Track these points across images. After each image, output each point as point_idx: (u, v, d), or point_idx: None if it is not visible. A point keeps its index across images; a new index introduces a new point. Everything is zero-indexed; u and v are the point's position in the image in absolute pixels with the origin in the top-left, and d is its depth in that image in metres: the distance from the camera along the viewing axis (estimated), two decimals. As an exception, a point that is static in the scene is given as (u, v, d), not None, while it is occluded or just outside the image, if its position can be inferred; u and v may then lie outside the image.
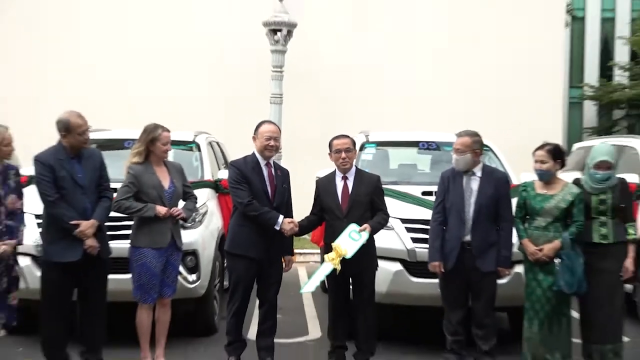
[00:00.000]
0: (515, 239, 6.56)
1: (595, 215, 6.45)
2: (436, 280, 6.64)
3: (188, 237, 6.87)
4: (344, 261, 6.26)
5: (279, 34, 13.77)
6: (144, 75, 16.32)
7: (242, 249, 6.43)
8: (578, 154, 10.28)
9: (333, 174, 6.64)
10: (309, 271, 10.24)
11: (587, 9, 41.36)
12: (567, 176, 6.92)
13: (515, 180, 7.52)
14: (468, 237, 6.43)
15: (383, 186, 6.74)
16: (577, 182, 6.63)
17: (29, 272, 6.75)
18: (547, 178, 6.49)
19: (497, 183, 6.57)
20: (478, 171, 6.55)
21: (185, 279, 7.01)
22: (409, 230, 7.08)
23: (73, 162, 6.17)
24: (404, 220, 7.11)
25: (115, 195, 6.33)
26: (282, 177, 6.60)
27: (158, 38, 16.64)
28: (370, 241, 6.41)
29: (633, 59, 37.54)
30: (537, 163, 6.48)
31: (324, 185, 6.67)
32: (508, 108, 16.00)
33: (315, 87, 15.71)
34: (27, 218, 6.47)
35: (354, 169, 6.62)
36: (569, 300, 6.52)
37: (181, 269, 6.80)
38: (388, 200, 6.77)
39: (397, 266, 7.01)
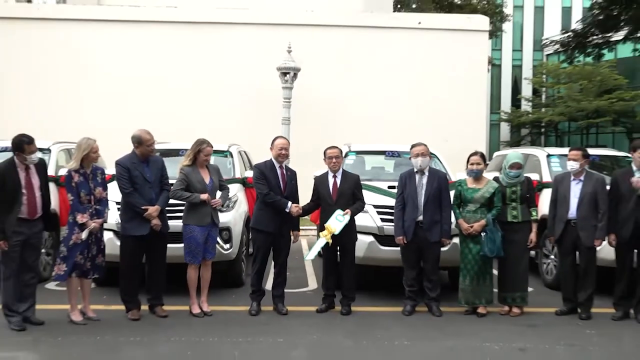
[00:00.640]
0: (453, 219, 6.64)
1: (508, 202, 6.56)
2: (398, 249, 6.67)
3: (224, 217, 6.87)
4: (333, 236, 6.37)
5: (287, 75, 13.80)
6: (191, 105, 16.32)
7: (262, 226, 6.50)
8: (496, 159, 10.31)
9: (326, 173, 6.72)
10: (309, 242, 10.25)
11: (502, 59, 41.87)
12: (489, 175, 6.98)
13: (453, 177, 7.58)
14: (420, 217, 6.48)
15: (361, 182, 6.81)
16: (496, 179, 6.73)
17: (111, 242, 6.77)
18: (478, 175, 6.59)
19: (439, 180, 6.64)
20: (426, 171, 6.63)
21: (221, 247, 6.99)
22: (379, 213, 7.07)
23: (143, 165, 6.24)
24: (375, 206, 7.10)
25: (172, 187, 6.40)
26: (291, 175, 6.66)
27: (200, 79, 16.61)
28: (351, 221, 6.48)
29: (534, 93, 38.32)
30: (473, 165, 6.57)
31: (320, 181, 6.74)
32: (448, 127, 16.02)
33: (313, 113, 15.70)
34: (110, 204, 6.49)
35: (341, 170, 6.69)
36: (491, 262, 6.58)
37: (219, 239, 6.78)
38: (364, 192, 6.82)
39: (371, 238, 6.99)
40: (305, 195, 6.77)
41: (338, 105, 16.50)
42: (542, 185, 7.96)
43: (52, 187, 6.64)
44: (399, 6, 26.24)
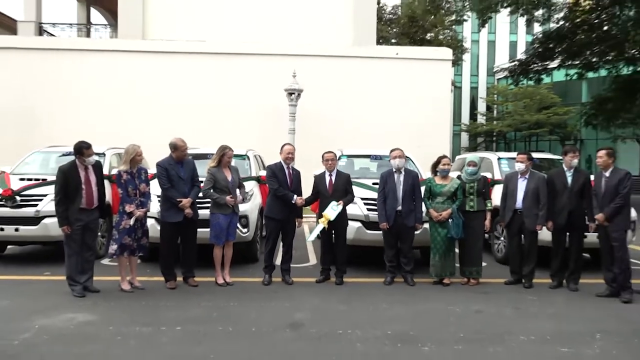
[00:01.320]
0: (424, 208, 6.61)
1: (467, 195, 6.55)
2: (380, 232, 6.65)
3: (242, 207, 6.82)
4: (329, 222, 6.34)
5: (293, 95, 13.76)
6: (215, 119, 16.31)
7: (273, 214, 6.49)
8: (458, 162, 10.30)
9: (324, 172, 6.68)
10: (310, 227, 10.25)
11: (463, 82, 42.01)
12: (452, 174, 6.96)
13: (424, 176, 7.55)
14: (399, 207, 6.47)
15: (351, 179, 6.79)
16: (459, 177, 6.71)
17: (153, 227, 6.73)
18: (446, 174, 6.58)
19: (413, 178, 6.61)
20: (403, 171, 6.60)
21: (241, 231, 6.97)
22: (365, 204, 7.04)
23: (178, 166, 6.22)
24: (362, 199, 7.07)
25: (202, 185, 6.37)
26: (296, 174, 6.63)
27: (222, 98, 16.62)
28: (343, 210, 6.46)
29: (487, 109, 38.30)
30: (445, 165, 6.56)
31: (319, 179, 6.71)
32: (420, 136, 16.00)
33: (313, 125, 15.69)
34: (152, 197, 6.46)
35: (335, 170, 6.67)
36: (454, 243, 6.58)
37: (238, 225, 6.75)
38: (354, 187, 6.80)
39: (359, 224, 6.97)
40: (307, 189, 6.75)
41: (333, 119, 16.49)
42: (494, 182, 7.94)
43: (106, 183, 6.62)
44: (380, 41, 26.20)
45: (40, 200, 7.19)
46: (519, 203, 6.54)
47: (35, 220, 7.11)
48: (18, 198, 7.18)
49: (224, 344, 4.37)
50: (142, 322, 4.89)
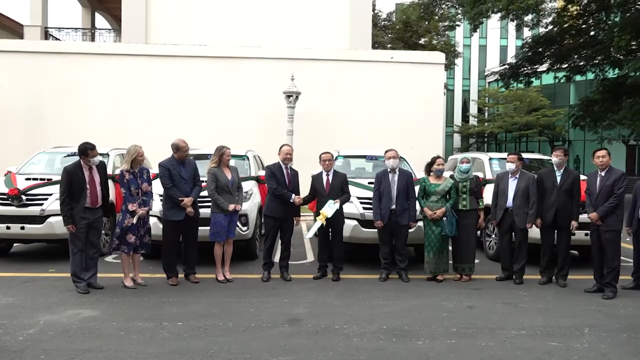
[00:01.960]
0: (417, 207, 6.59)
1: (460, 194, 6.53)
2: (375, 230, 6.63)
3: (242, 206, 6.78)
4: (326, 220, 6.32)
5: (291, 98, 13.72)
6: (216, 120, 16.27)
7: (272, 212, 6.46)
8: (451, 162, 10.29)
9: (321, 172, 6.67)
10: (308, 225, 10.22)
11: (455, 85, 42.02)
12: (446, 174, 6.94)
13: (418, 175, 7.54)
14: (394, 206, 6.45)
15: (348, 179, 6.76)
16: (452, 177, 6.69)
17: (155, 225, 6.71)
18: (441, 174, 6.56)
19: (407, 177, 6.60)
20: (397, 171, 6.59)
21: (240, 229, 6.95)
22: (361, 203, 7.02)
23: (180, 166, 6.20)
24: (358, 197, 7.06)
25: (204, 184, 6.34)
26: (294, 174, 6.61)
27: (223, 100, 16.58)
28: (340, 208, 6.45)
29: (479, 111, 38.33)
30: (439, 165, 6.53)
31: (316, 179, 6.68)
32: (414, 137, 15.99)
33: (311, 126, 15.68)
34: (155, 196, 6.43)
35: (332, 170, 6.65)
36: (448, 241, 6.57)
37: (238, 223, 6.74)
38: (350, 187, 6.77)
39: (355, 222, 6.94)
40: (304, 189, 6.72)
41: (330, 121, 16.47)
42: (485, 182, 7.93)
43: (110, 183, 6.58)
44: (376, 46, 26.21)
45: (46, 199, 7.15)
46: (509, 202, 6.54)
47: (40, 218, 7.07)
48: (24, 197, 7.14)
49: (224, 339, 4.35)
50: (145, 318, 4.86)
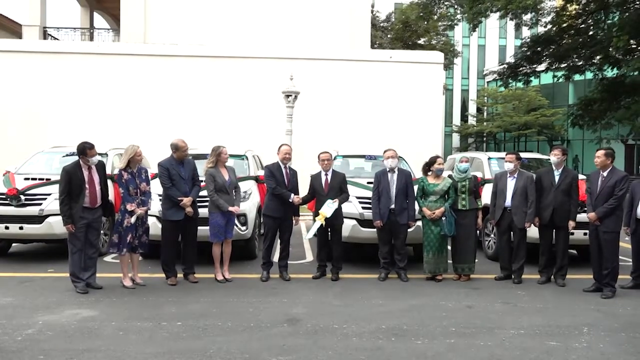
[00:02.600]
0: (416, 206, 6.59)
1: (459, 194, 6.53)
2: (375, 230, 6.62)
3: (241, 206, 6.79)
4: (325, 219, 6.31)
5: (290, 97, 13.68)
6: (215, 120, 16.28)
7: (271, 212, 6.45)
8: (449, 161, 10.28)
9: (320, 172, 6.66)
10: (307, 225, 10.21)
11: (454, 85, 42.02)
12: (444, 173, 6.94)
13: (417, 175, 7.53)
14: (393, 206, 6.45)
15: (347, 179, 6.76)
16: (450, 176, 6.69)
17: (154, 225, 6.71)
18: (440, 173, 6.56)
19: (406, 177, 6.60)
20: (396, 170, 6.59)
21: (239, 228, 6.96)
22: (360, 202, 7.01)
23: (179, 166, 6.20)
24: (357, 197, 7.05)
25: (203, 184, 6.33)
26: (293, 174, 6.60)
27: (222, 100, 16.58)
28: (339, 208, 6.44)
29: (478, 111, 38.37)
30: (439, 165, 6.53)
31: (315, 178, 6.67)
32: (414, 137, 16.03)
33: (309, 126, 15.69)
34: (153, 196, 6.43)
35: (331, 169, 6.64)
36: (447, 240, 6.56)
37: (237, 223, 6.76)
38: (349, 186, 6.77)
39: (354, 222, 6.94)
40: (303, 188, 6.71)
41: (329, 120, 16.49)
42: (484, 181, 7.94)
43: (109, 182, 6.58)
44: (375, 46, 26.22)
45: (45, 199, 7.15)
46: (508, 202, 6.54)
47: (39, 218, 7.06)
48: (22, 197, 7.13)
49: (223, 339, 4.34)
50: (144, 318, 4.86)
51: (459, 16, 18.48)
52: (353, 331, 4.57)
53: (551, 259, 6.51)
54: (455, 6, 18.14)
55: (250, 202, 7.45)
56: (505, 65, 20.94)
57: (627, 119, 16.79)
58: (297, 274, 6.73)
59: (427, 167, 6.65)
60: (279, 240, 6.64)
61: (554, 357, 4.06)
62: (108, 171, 7.31)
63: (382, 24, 30.26)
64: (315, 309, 5.23)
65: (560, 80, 20.08)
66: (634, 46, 15.31)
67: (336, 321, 4.83)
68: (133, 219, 5.83)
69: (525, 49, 19.42)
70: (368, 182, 7.21)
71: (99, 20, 25.86)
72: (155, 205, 6.66)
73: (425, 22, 27.23)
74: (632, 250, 6.35)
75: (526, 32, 22.84)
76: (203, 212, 6.38)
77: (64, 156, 8.20)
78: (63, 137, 13.87)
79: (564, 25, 17.95)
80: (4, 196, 7.10)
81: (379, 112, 16.87)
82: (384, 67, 17.21)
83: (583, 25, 17.94)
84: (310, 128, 15.70)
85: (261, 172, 7.72)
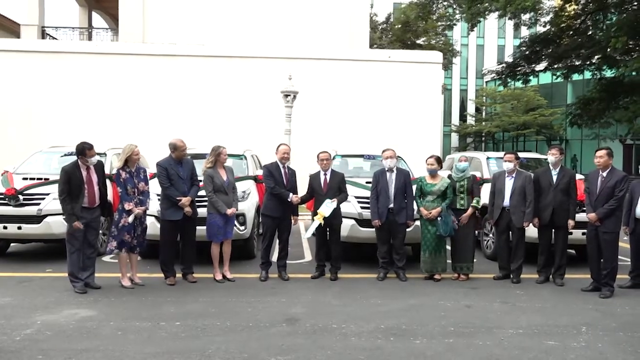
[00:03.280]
0: (415, 206, 6.59)
1: (458, 193, 6.54)
2: (373, 229, 6.62)
3: (240, 206, 6.80)
4: (324, 219, 6.31)
5: (289, 97, 13.68)
6: (214, 119, 16.29)
7: (270, 212, 6.45)
8: (448, 161, 10.30)
9: (319, 172, 6.66)
10: (306, 224, 10.20)
11: (453, 85, 42.02)
12: (443, 173, 6.94)
13: (416, 175, 7.53)
14: (391, 205, 6.46)
15: (345, 178, 6.76)
16: (449, 176, 6.69)
17: (153, 225, 6.71)
18: (434, 173, 6.56)
19: (404, 176, 6.60)
20: (395, 170, 6.59)
21: (238, 228, 6.96)
22: (359, 202, 7.02)
23: (178, 166, 6.19)
24: (356, 197, 7.05)
25: (201, 184, 6.33)
26: (291, 173, 6.60)
27: (221, 99, 16.60)
28: (338, 208, 6.44)
29: (476, 111, 38.36)
30: (430, 165, 6.54)
31: (314, 178, 6.67)
32: (413, 137, 16.05)
33: (308, 125, 15.70)
34: (152, 196, 6.43)
35: (330, 169, 6.64)
36: (445, 240, 6.56)
37: (236, 223, 6.74)
38: (348, 186, 6.77)
39: (352, 222, 6.94)
40: (302, 188, 6.71)
41: (327, 120, 16.50)
42: (483, 181, 7.94)
43: (108, 182, 6.56)
44: (375, 46, 26.25)
45: (43, 199, 7.14)
46: (506, 201, 6.55)
47: (37, 218, 7.06)
48: (21, 197, 7.12)
49: (221, 339, 4.34)
50: (142, 318, 4.86)
51: (457, 16, 18.48)
52: (352, 331, 4.57)
53: (550, 259, 6.52)
54: (454, 6, 18.16)
55: (248, 201, 7.45)
56: (504, 65, 20.97)
57: (625, 119, 16.82)
58: (296, 273, 6.73)
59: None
60: (277, 240, 6.64)
61: (552, 357, 4.06)
62: (106, 171, 7.33)
63: (380, 26, 30.28)
64: (314, 309, 5.23)
65: (559, 79, 20.11)
66: (632, 46, 15.33)
67: (335, 321, 4.83)
68: (131, 219, 5.83)
69: (524, 48, 19.45)
70: (367, 182, 7.20)
71: (98, 19, 25.83)
72: (154, 205, 6.65)
73: (424, 22, 27.26)
74: (630, 249, 6.36)
75: (525, 32, 22.86)
76: (202, 212, 6.37)
77: (62, 156, 8.20)
78: (62, 136, 13.86)
79: (563, 25, 17.97)
80: (2, 196, 7.09)
81: (377, 111, 16.88)
82: (383, 67, 17.22)
83: (582, 26, 17.96)
84: (309, 128, 15.71)
85: (260, 172, 7.71)
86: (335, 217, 6.42)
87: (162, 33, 18.11)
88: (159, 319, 4.82)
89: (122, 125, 15.85)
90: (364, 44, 19.12)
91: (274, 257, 6.79)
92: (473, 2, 15.98)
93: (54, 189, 6.92)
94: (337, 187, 6.52)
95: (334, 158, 8.07)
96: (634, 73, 14.66)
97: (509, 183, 6.58)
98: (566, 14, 18.13)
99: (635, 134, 21.46)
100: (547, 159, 6.81)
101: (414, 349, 4.18)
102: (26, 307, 5.14)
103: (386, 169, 6.57)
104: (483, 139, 37.77)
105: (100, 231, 7.11)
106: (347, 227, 6.86)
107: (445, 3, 18.64)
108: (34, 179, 7.55)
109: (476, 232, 6.85)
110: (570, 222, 6.31)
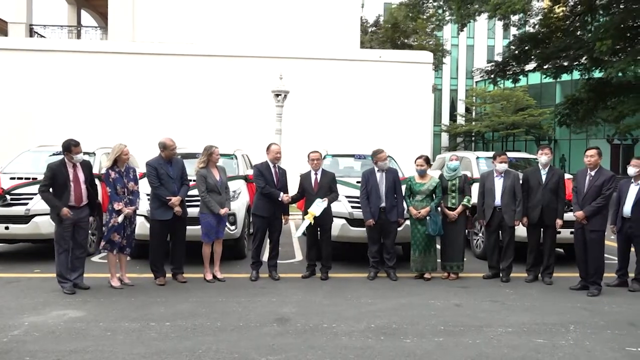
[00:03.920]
0: (404, 205, 6.61)
1: (449, 192, 6.57)
2: (364, 229, 6.64)
3: (231, 205, 6.75)
4: (314, 219, 6.31)
5: (279, 96, 13.68)
6: (204, 119, 16.23)
7: (260, 212, 6.43)
8: (439, 161, 10.35)
9: (309, 171, 6.65)
10: (296, 224, 10.22)
11: (443, 85, 42.19)
12: (433, 173, 6.97)
13: (406, 174, 7.56)
14: (383, 204, 6.48)
15: (336, 178, 6.77)
16: (440, 176, 6.72)
17: (143, 225, 6.68)
18: (423, 173, 6.58)
19: (394, 176, 6.62)
20: (384, 170, 6.60)
21: (229, 228, 6.94)
22: (349, 202, 7.03)
23: (167, 165, 6.15)
24: (347, 197, 7.06)
25: (192, 183, 6.30)
26: (282, 173, 6.60)
27: (211, 99, 16.54)
28: (328, 207, 6.44)
29: (466, 111, 38.58)
30: (419, 166, 6.56)
31: (304, 177, 6.67)
32: (403, 136, 16.10)
33: (299, 125, 15.69)
34: (142, 195, 6.39)
35: (321, 169, 6.64)
36: (435, 239, 6.59)
37: (227, 223, 6.74)
38: (339, 186, 6.78)
39: (343, 221, 6.95)
40: (292, 187, 6.71)
41: (318, 119, 16.51)
42: (473, 180, 7.98)
43: (97, 182, 6.52)
44: (365, 47, 26.32)
45: (31, 198, 7.06)
46: (497, 201, 6.58)
47: (25, 218, 6.99)
48: (8, 197, 7.05)
49: (212, 339, 4.32)
50: (132, 318, 4.82)
51: (447, 17, 18.56)
52: (342, 330, 4.57)
53: (539, 258, 6.57)
54: (444, 7, 18.25)
55: (239, 201, 7.43)
56: (494, 63, 21.04)
57: (612, 119, 16.99)
58: (287, 273, 6.72)
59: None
60: (268, 240, 6.63)
61: (541, 355, 4.09)
62: (95, 170, 7.28)
63: (370, 29, 30.33)
64: (305, 309, 5.23)
65: (548, 79, 20.25)
66: (618, 48, 15.48)
67: (325, 320, 4.83)
68: (120, 219, 5.78)
69: (514, 47, 19.54)
70: (357, 182, 7.21)
71: (87, 18, 25.62)
72: (144, 205, 6.61)
73: (414, 22, 27.33)
74: (617, 248, 6.43)
75: (514, 33, 22.99)
76: (192, 211, 6.34)
77: (50, 155, 8.12)
78: (51, 136, 13.73)
79: (552, 27, 18.10)
80: (-11, 196, 7.00)
81: (368, 111, 16.93)
82: (374, 67, 17.27)
83: (571, 29, 18.10)
84: (299, 127, 15.71)
85: (250, 172, 7.70)
86: (326, 217, 6.43)
87: (152, 31, 18.01)
88: (148, 319, 4.79)
89: (112, 124, 15.75)
90: (355, 43, 19.16)
91: (265, 256, 6.78)
92: (463, 2, 16.04)
93: (42, 189, 6.87)
94: (328, 187, 6.53)
95: (324, 157, 8.06)
96: (620, 74, 14.80)
97: (498, 183, 6.62)
98: (555, 15, 18.27)
99: (622, 134, 21.69)
100: (536, 158, 6.86)
101: (405, 348, 4.19)
102: (13, 308, 5.08)
103: (377, 169, 6.59)
104: (473, 138, 37.99)
105: (89, 231, 7.06)
106: (337, 226, 6.87)
107: (435, 4, 18.70)
108: (21, 178, 7.47)
109: (466, 231, 6.87)
110: (559, 222, 6.36)
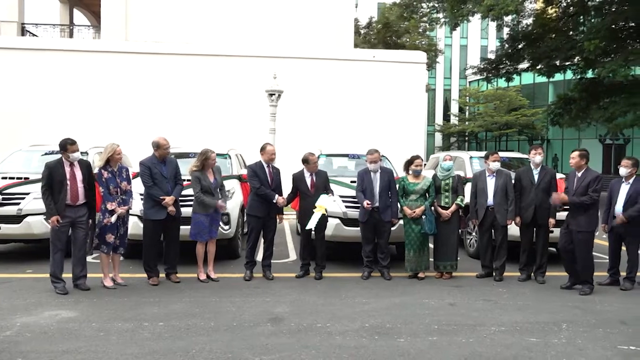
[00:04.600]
0: (398, 206, 6.62)
1: (442, 192, 6.58)
2: (358, 228, 6.64)
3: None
4: (307, 219, 6.31)
5: (273, 96, 13.67)
6: (198, 118, 16.18)
7: (254, 212, 6.42)
8: (432, 160, 10.37)
9: (302, 171, 6.65)
10: (291, 224, 10.24)
11: (436, 85, 42.35)
12: (426, 172, 6.98)
13: (400, 174, 7.57)
14: (377, 204, 6.49)
15: (330, 177, 6.78)
16: (434, 176, 6.74)
17: (136, 225, 6.65)
18: (418, 174, 6.60)
19: (388, 175, 6.64)
20: (379, 170, 6.61)
21: (223, 228, 6.93)
22: (344, 201, 7.04)
23: (161, 165, 6.13)
24: (341, 196, 7.07)
25: (185, 183, 6.29)
26: (276, 172, 6.59)
27: (205, 98, 16.49)
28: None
29: (460, 111, 38.73)
30: (417, 166, 6.57)
31: (298, 178, 6.66)
32: (397, 136, 16.13)
33: (292, 124, 15.68)
34: (135, 195, 6.36)
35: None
36: (428, 238, 6.61)
37: (220, 223, 6.73)
38: (333, 185, 6.80)
39: (337, 221, 6.95)
40: (286, 187, 6.70)
41: (312, 119, 16.52)
42: (466, 180, 8.00)
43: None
44: (362, 47, 26.36)
45: (23, 198, 7.01)
46: (490, 200, 6.61)
47: (17, 218, 6.93)
48: (0, 196, 6.99)
49: (205, 339, 4.31)
50: (125, 318, 4.80)
51: (442, 20, 18.61)
52: (336, 330, 4.57)
53: (531, 257, 6.60)
54: (438, 10, 18.31)
55: (233, 201, 7.42)
56: (487, 61, 21.06)
57: (604, 120, 17.09)
58: (281, 273, 6.72)
59: (408, 165, 6.70)
60: (262, 240, 6.62)
61: (534, 353, 4.12)
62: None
63: (363, 30, 30.36)
64: (299, 308, 5.23)
65: (541, 78, 20.34)
66: (609, 49, 15.59)
67: (319, 320, 4.83)
68: (113, 218, 5.76)
69: (507, 45, 19.60)
70: (352, 181, 7.22)
71: (79, 17, 25.47)
72: (137, 205, 6.58)
73: (406, 22, 27.40)
74: (608, 247, 6.47)
75: (508, 32, 23.04)
76: (185, 211, 6.32)
77: (42, 155, 8.07)
78: (43, 135, 13.66)
79: (546, 27, 18.18)
80: (-20, 196, 6.94)
81: (362, 111, 16.95)
82: (367, 67, 17.29)
83: (564, 29, 18.20)
84: (293, 127, 15.70)
85: (244, 171, 7.69)
86: (321, 217, 6.41)
87: (146, 31, 17.94)
88: (141, 319, 4.77)
89: (105, 124, 15.68)
90: (349, 43, 19.17)
91: (259, 256, 6.77)
92: (456, 2, 16.09)
93: (34, 189, 6.82)
94: (323, 186, 6.54)
95: (318, 157, 8.06)
96: (610, 75, 14.91)
97: (490, 182, 6.65)
98: (547, 16, 18.36)
99: (614, 134, 21.83)
100: (528, 158, 6.89)
101: (398, 347, 4.20)
102: (5, 309, 5.04)
103: (371, 170, 6.60)
104: (466, 138, 38.13)
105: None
106: (332, 226, 6.87)
107: (429, 4, 18.74)
108: (13, 178, 7.41)
109: (459, 230, 6.89)
110: (551, 221, 6.40)
